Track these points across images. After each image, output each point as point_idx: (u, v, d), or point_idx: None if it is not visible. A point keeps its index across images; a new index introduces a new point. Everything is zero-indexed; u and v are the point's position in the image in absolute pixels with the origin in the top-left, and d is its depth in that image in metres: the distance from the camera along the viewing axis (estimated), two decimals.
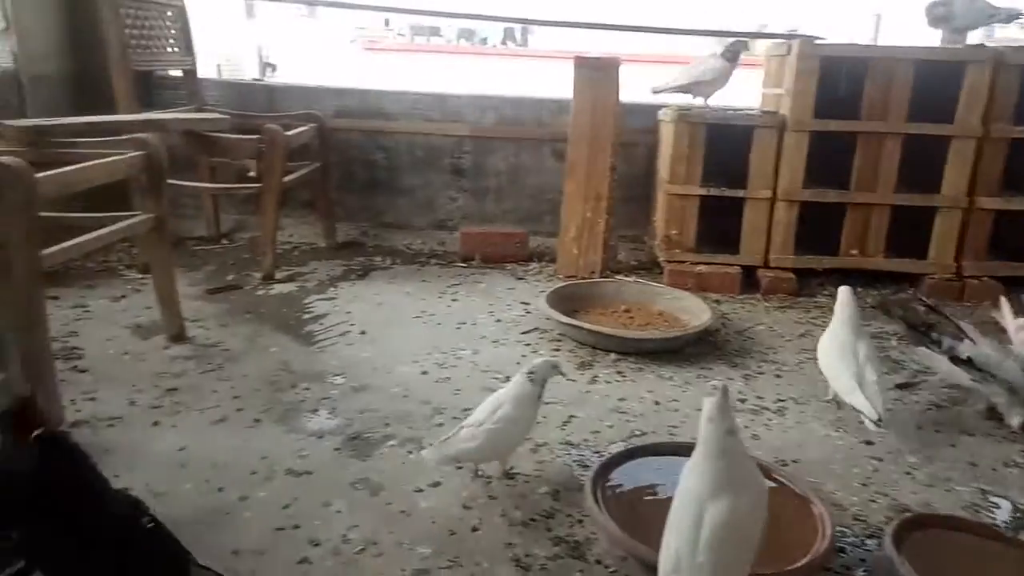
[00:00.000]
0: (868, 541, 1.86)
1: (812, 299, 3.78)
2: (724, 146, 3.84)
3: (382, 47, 17.54)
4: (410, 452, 2.18)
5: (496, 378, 2.71)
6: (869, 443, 2.36)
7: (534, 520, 1.89)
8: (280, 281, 3.69)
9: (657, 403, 2.58)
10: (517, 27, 21.86)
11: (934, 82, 3.67)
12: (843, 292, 2.56)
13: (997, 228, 3.83)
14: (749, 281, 3.90)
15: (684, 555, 1.37)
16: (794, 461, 2.23)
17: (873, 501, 2.05)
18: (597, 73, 3.93)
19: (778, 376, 2.86)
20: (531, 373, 2.02)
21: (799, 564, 1.54)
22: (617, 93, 3.96)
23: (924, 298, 3.48)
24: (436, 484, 2.02)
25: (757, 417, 2.51)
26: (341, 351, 2.90)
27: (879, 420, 2.20)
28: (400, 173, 4.48)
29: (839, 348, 2.43)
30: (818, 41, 3.79)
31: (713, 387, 1.44)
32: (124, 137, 2.66)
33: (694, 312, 3.27)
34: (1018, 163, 3.76)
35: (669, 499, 1.83)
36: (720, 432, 1.40)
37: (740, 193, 3.84)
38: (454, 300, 3.55)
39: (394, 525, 1.84)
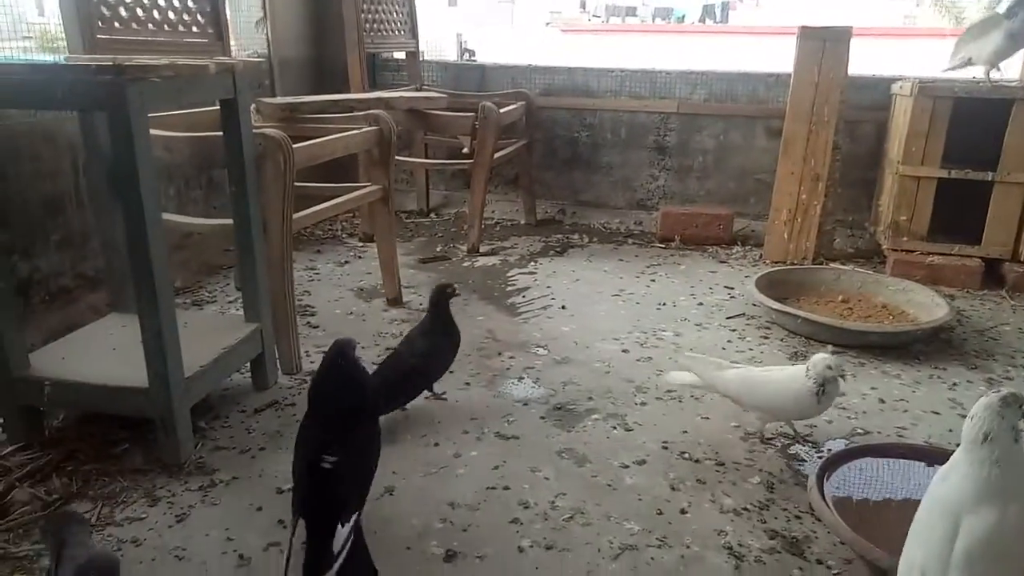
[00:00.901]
0: None
1: None
2: (969, 123, 3.40)
3: (578, 29, 17.57)
4: (614, 427, 2.18)
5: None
6: None
7: (747, 509, 1.81)
8: (484, 254, 3.84)
9: (882, 401, 2.36)
10: (717, 3, 20.93)
11: None
12: None
13: None
14: (992, 276, 3.45)
15: (931, 571, 1.20)
16: None
17: None
18: (825, 43, 3.63)
19: None
20: (808, 370, 2.00)
21: None
22: (846, 65, 3.64)
23: None
24: (641, 462, 2.00)
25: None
26: (543, 323, 2.95)
27: None
28: (601, 151, 4.46)
29: None
30: None
31: (998, 390, 1.24)
32: (360, 114, 2.87)
33: (925, 306, 2.95)
34: None
35: (898, 503, 1.69)
36: (978, 432, 1.20)
37: (988, 176, 3.39)
38: (653, 280, 3.49)
39: (601, 497, 1.85)
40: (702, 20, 21.07)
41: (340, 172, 3.63)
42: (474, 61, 5.22)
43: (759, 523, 1.76)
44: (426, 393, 2.28)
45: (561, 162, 4.55)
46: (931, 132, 3.42)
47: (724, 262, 3.79)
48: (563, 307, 3.12)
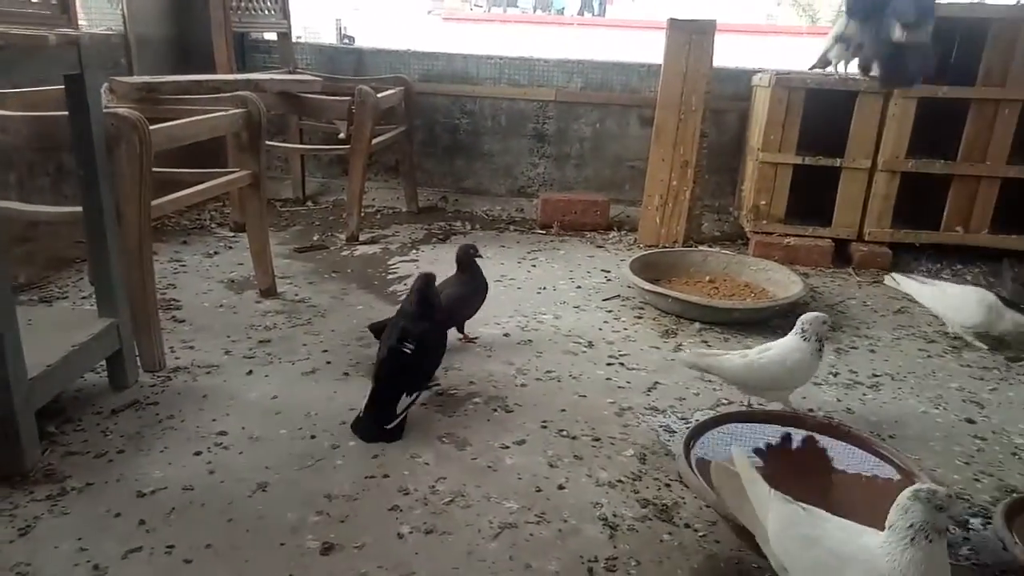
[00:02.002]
0: (973, 520, 1.76)
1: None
2: (822, 113, 3.67)
3: (460, 17, 17.51)
4: (495, 410, 2.19)
5: (578, 342, 2.70)
6: (971, 421, 2.25)
7: (621, 481, 1.88)
8: (364, 243, 3.76)
9: None
10: None
11: None
12: None
13: None
14: (841, 255, 3.75)
15: None
16: (891, 436, 2.13)
17: (977, 480, 1.94)
18: (691, 36, 3.80)
19: (872, 351, 2.74)
20: (803, 331, 2.06)
21: None
22: (711, 57, 3.83)
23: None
24: (521, 442, 2.03)
25: (851, 391, 2.41)
26: None
27: None
28: (482, 138, 4.47)
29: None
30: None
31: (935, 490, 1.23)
32: (226, 95, 2.73)
33: (782, 284, 3.17)
34: None
35: (764, 466, 1.81)
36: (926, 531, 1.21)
37: (836, 162, 3.67)
38: (534, 266, 3.54)
39: (481, 479, 1.86)
40: (581, 13, 21.55)
41: (209, 158, 3.45)
42: (351, 44, 5.09)
43: (632, 493, 1.83)
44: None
45: (442, 149, 4.52)
46: (787, 121, 3.66)
47: (601, 247, 3.90)
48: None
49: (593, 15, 21.64)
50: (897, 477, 1.73)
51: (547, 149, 4.46)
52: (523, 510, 1.74)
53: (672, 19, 3.83)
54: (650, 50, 4.77)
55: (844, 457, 1.84)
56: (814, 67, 3.89)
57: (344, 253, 3.61)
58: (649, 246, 3.86)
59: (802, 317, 2.11)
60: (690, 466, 1.69)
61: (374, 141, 3.68)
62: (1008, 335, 2.72)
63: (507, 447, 2.01)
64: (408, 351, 2.04)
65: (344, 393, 2.25)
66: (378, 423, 2.00)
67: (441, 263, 3.50)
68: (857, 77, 3.68)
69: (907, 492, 1.24)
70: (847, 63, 3.69)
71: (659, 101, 3.87)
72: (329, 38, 10.66)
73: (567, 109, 4.36)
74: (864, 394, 2.40)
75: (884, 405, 2.33)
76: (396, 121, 4.14)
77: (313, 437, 2.01)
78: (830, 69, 3.76)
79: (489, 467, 1.92)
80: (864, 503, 1.68)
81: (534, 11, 22.37)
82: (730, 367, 2.13)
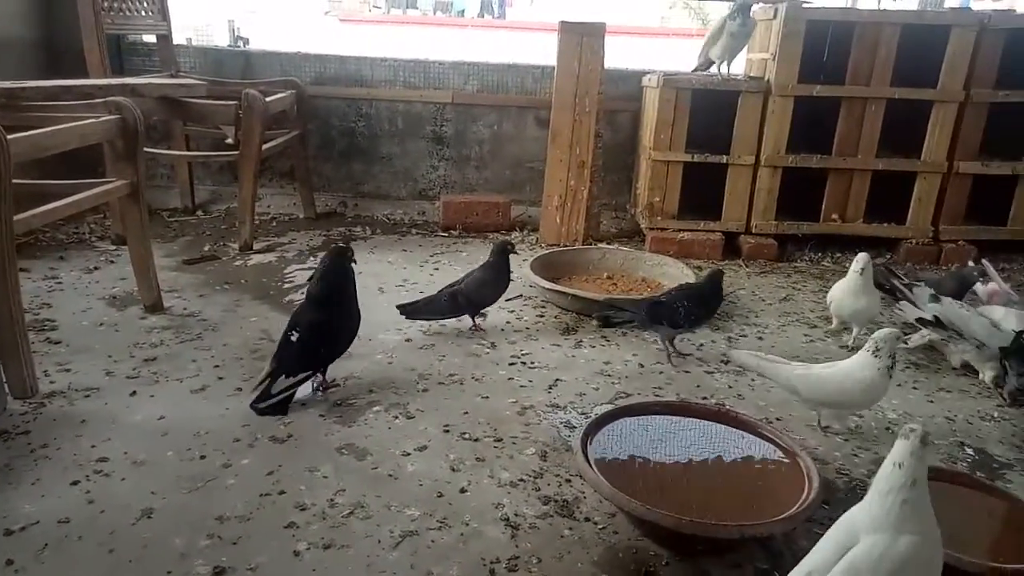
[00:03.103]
0: (851, 494, 1.87)
1: (792, 264, 3.81)
2: (709, 112, 3.82)
3: (358, 19, 17.22)
4: (396, 417, 2.16)
5: (481, 343, 2.70)
6: None
7: (523, 480, 1.89)
8: (258, 252, 3.63)
9: (641, 366, 2.58)
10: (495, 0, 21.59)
11: (918, 47, 3.67)
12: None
13: (974, 192, 3.86)
14: (731, 247, 3.91)
15: (816, 574, 1.29)
16: (777, 419, 2.24)
17: (855, 455, 2.07)
18: (582, 38, 3.87)
19: (760, 338, 2.87)
20: (877, 350, 2.02)
21: (786, 515, 1.55)
22: (602, 59, 3.91)
23: (889, 265, 3.49)
24: (423, 448, 2.01)
25: (741, 377, 2.51)
26: None
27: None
28: (380, 141, 4.41)
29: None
30: (805, 5, 3.76)
31: (910, 429, 1.28)
32: (98, 101, 2.57)
33: (676, 278, 3.27)
34: (997, 128, 3.78)
35: (658, 456, 1.86)
36: (900, 478, 1.26)
37: (723, 159, 3.83)
38: (436, 269, 3.52)
39: (381, 489, 1.82)
40: (481, 15, 21.61)
41: (87, 168, 3.23)
42: (238, 47, 4.90)
43: (533, 491, 1.84)
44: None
45: (339, 153, 4.43)
46: (676, 120, 3.79)
47: None
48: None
49: (493, 17, 21.75)
50: (782, 456, 1.81)
51: (447, 151, 4.44)
52: (425, 516, 1.73)
53: (563, 22, 3.89)
54: (547, 52, 4.84)
55: (734, 441, 1.91)
56: (696, 69, 4.05)
57: (237, 263, 3.47)
58: (551, 245, 3.91)
59: (876, 334, 2.05)
60: (587, 460, 1.71)
61: (265, 146, 3.56)
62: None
63: (408, 454, 1.98)
64: (293, 339, 2.18)
65: (237, 410, 2.16)
66: (255, 400, 2.15)
67: None
68: (739, 77, 3.86)
69: None
70: (729, 64, 3.86)
71: (554, 103, 3.93)
72: (223, 40, 10.25)
73: (465, 111, 4.36)
74: (753, 379, 2.51)
75: (772, 389, 2.44)
76: (288, 125, 4.02)
77: (203, 457, 1.92)
78: (713, 69, 3.92)
79: (390, 475, 1.89)
80: (749, 481, 1.76)
81: (434, 13, 22.26)
82: (786, 375, 2.13)
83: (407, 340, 2.71)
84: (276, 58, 4.27)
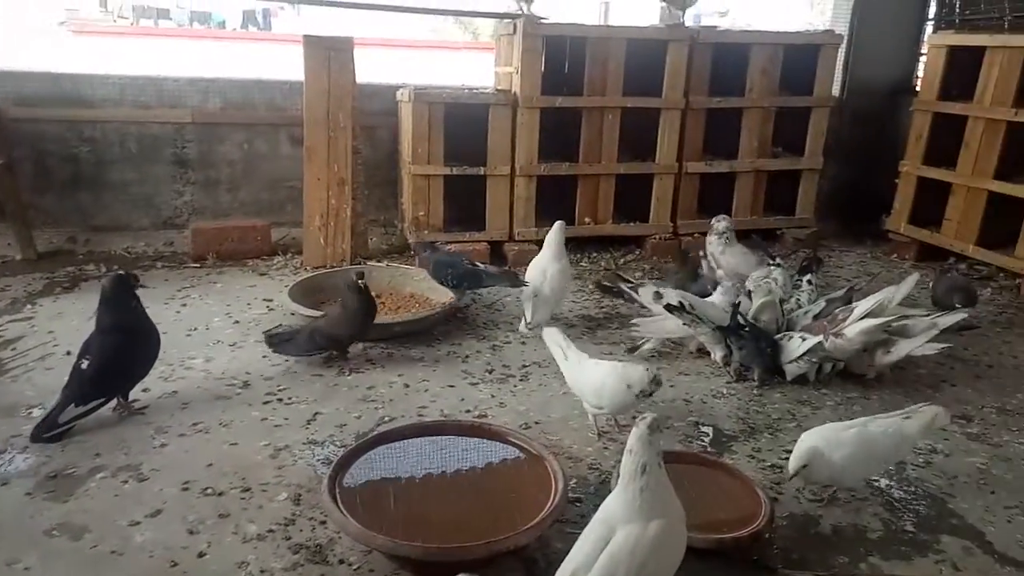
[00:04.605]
0: (602, 487, 1.96)
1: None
2: (465, 125, 3.88)
3: (96, 31, 15.50)
4: (125, 482, 1.91)
5: (232, 384, 2.49)
6: None
7: (272, 531, 1.75)
8: None
9: (407, 385, 2.54)
10: (259, 10, 20.58)
11: (647, 60, 4.01)
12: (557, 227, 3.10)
13: (703, 189, 4.31)
14: (497, 254, 4.00)
15: (581, 570, 1.34)
16: (536, 423, 2.30)
17: (606, 449, 2.18)
18: (329, 52, 3.75)
19: (523, 344, 2.95)
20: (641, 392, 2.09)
21: (531, 524, 1.57)
22: (353, 73, 3.82)
23: (617, 271, 3.79)
24: (156, 513, 1.79)
25: (504, 385, 2.56)
26: (39, 378, 2.48)
27: (529, 324, 2.91)
28: (111, 167, 3.95)
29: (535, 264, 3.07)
30: (541, 20, 3.96)
31: (641, 417, 1.38)
32: None
33: (444, 291, 3.27)
34: (717, 131, 4.24)
35: (413, 482, 1.81)
36: (638, 465, 1.36)
37: (481, 171, 3.91)
38: (184, 305, 3.21)
39: (101, 570, 1.59)
40: (245, 27, 20.48)
41: None
42: None
43: (284, 540, 1.71)
44: None
45: (61, 183, 3.90)
46: (431, 134, 3.80)
47: (265, 274, 3.68)
48: (68, 353, 2.65)
49: (259, 29, 20.72)
50: (531, 463, 1.85)
51: (192, 175, 4.09)
52: None
53: (307, 36, 3.75)
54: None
55: (488, 454, 1.92)
56: None
57: None
58: (316, 268, 3.75)
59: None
60: (335, 500, 1.62)
61: None
62: None
63: (138, 523, 1.76)
64: (83, 367, 2.16)
65: None
66: (40, 428, 2.09)
67: (69, 316, 3.02)
68: (487, 91, 3.96)
69: None
70: None
71: (306, 119, 3.77)
72: None
73: (209, 131, 4.05)
74: (515, 385, 2.57)
75: (532, 393, 2.52)
76: None
77: None
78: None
79: (113, 552, 1.66)
80: (502, 493, 1.78)
81: (191, 24, 20.73)
82: (564, 363, 2.27)
83: (144, 390, 2.42)
84: None
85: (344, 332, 2.67)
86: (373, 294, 3.30)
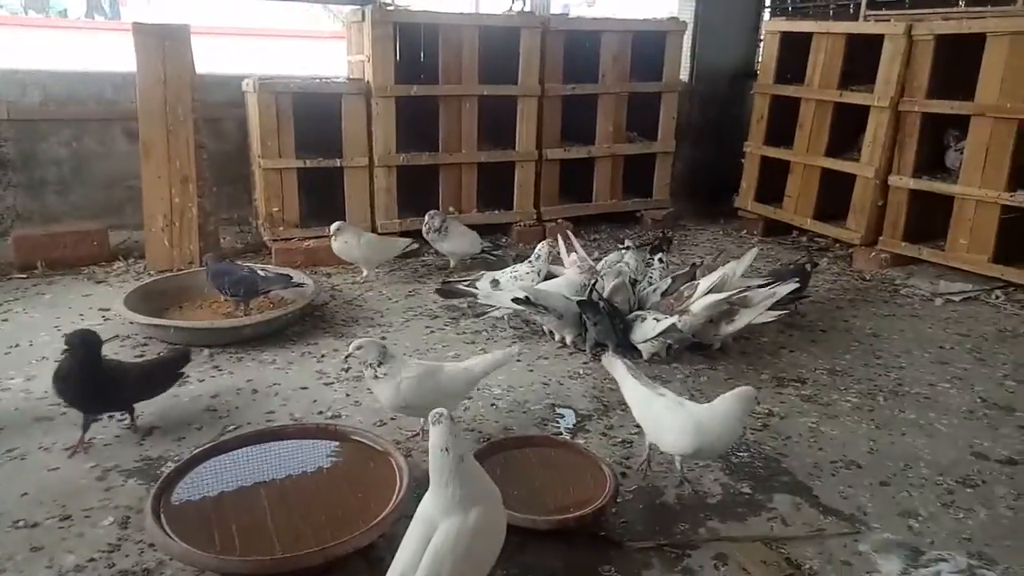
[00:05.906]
0: None
1: (421, 259, 3.92)
2: (317, 116, 3.74)
3: None
4: None
5: (56, 404, 2.27)
6: None
7: (93, 559, 1.61)
8: None
9: (255, 391, 2.41)
10: None
11: (503, 47, 4.01)
12: None
13: (563, 175, 4.38)
14: None
15: (408, 570, 1.33)
16: (392, 419, 2.25)
17: (468, 430, 2.16)
18: (164, 41, 3.50)
19: (385, 336, 2.89)
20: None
21: (371, 525, 1.53)
22: (191, 63, 3.58)
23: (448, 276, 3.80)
24: None
25: (360, 383, 2.48)
26: None
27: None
28: None
29: None
30: (390, 7, 3.87)
31: (438, 414, 1.39)
32: None
33: (299, 289, 3.15)
34: (573, 118, 4.31)
35: (250, 493, 1.72)
36: (455, 457, 1.37)
37: (337, 163, 3.79)
38: (5, 320, 2.92)
39: None
40: (90, 16, 18.94)
41: None
42: None
43: (107, 569, 1.59)
44: None
45: None
46: (281, 126, 3.64)
47: (102, 281, 3.41)
48: None
49: (106, 18, 19.23)
50: (377, 460, 1.81)
51: (12, 177, 3.72)
52: None
53: (136, 23, 3.48)
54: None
55: (333, 456, 1.86)
56: None
57: None
58: (163, 271, 3.50)
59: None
60: (158, 519, 1.51)
61: None
62: None
63: None
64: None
65: None
66: None
67: None
68: (339, 80, 3.84)
69: None
70: None
71: (140, 113, 3.50)
72: None
73: (29, 128, 3.69)
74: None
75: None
76: None
77: None
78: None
79: None
80: (348, 493, 1.72)
81: (25, 12, 18.93)
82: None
83: None
84: None
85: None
86: (223, 297, 3.14)
